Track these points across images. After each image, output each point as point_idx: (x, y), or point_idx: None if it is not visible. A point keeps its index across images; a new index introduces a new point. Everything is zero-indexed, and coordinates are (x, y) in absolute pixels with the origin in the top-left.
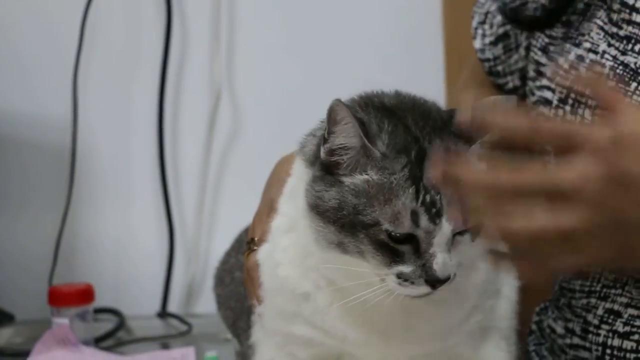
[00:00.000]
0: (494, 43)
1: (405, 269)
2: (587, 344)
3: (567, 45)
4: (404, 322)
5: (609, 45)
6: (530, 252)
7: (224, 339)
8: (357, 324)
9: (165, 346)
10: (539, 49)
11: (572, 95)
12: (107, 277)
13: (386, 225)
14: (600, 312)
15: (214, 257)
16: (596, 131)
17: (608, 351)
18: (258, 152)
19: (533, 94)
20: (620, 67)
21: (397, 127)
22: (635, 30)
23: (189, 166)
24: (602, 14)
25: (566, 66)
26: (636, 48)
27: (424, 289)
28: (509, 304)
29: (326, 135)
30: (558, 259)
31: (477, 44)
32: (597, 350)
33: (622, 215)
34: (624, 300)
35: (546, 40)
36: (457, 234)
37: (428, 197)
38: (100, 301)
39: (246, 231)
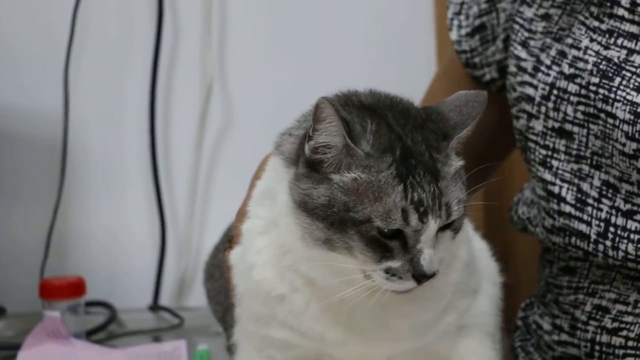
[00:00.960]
0: (470, 34)
1: (394, 264)
2: (576, 341)
3: (548, 40)
4: (381, 321)
5: (592, 40)
6: None
7: (215, 332)
8: (334, 324)
9: (157, 339)
10: (519, 44)
11: (555, 92)
12: (99, 270)
13: (377, 222)
14: (588, 308)
15: (205, 250)
16: None
17: (597, 347)
18: (249, 145)
19: (514, 89)
20: (604, 62)
21: (380, 126)
22: (617, 24)
23: (180, 159)
24: (582, 7)
25: (548, 62)
26: (619, 42)
27: (411, 283)
28: (491, 301)
29: (310, 133)
30: None
31: (454, 35)
32: (585, 346)
33: None
34: (612, 296)
35: (526, 34)
36: (439, 230)
37: (416, 195)
38: (91, 294)
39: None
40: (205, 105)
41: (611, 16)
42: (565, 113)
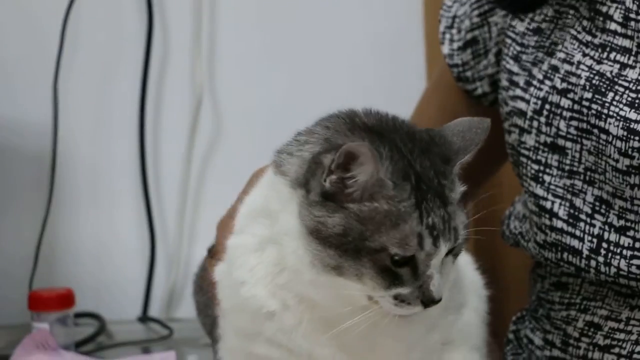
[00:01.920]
0: (462, 48)
1: (404, 290)
2: (568, 357)
3: (540, 54)
4: (370, 341)
5: (584, 55)
6: None
7: (204, 344)
8: (324, 343)
9: (146, 350)
10: (511, 58)
11: (547, 106)
12: (88, 281)
13: (394, 250)
14: (580, 324)
15: (195, 261)
16: None
17: None
18: (240, 157)
19: (506, 104)
20: (597, 77)
21: (392, 152)
22: (610, 38)
23: (170, 171)
24: (574, 22)
25: (540, 76)
26: (612, 56)
27: (418, 309)
28: (477, 314)
29: (333, 167)
30: None
31: (445, 49)
32: None
33: None
34: (604, 312)
35: (518, 48)
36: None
37: (430, 220)
38: (80, 306)
39: None
40: (195, 117)
41: (604, 30)
42: (557, 128)
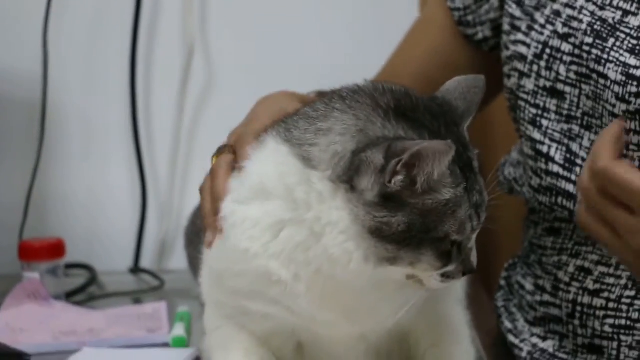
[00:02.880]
0: None
1: (450, 267)
2: (558, 301)
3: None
4: (370, 303)
5: (587, 0)
6: None
7: (196, 295)
8: (329, 307)
9: (137, 301)
10: (514, 2)
11: (548, 51)
12: (79, 232)
13: (455, 236)
14: (571, 269)
15: (186, 212)
16: None
17: (578, 308)
18: (231, 108)
19: (507, 48)
20: (599, 23)
21: (431, 136)
22: None
23: (161, 122)
24: None
25: (542, 21)
26: (615, 3)
27: (459, 279)
28: None
29: (398, 168)
30: None
31: None
32: (567, 307)
33: None
34: (595, 257)
35: None
36: None
37: (475, 199)
38: (72, 256)
39: None
40: (187, 67)
41: None
42: (557, 72)
